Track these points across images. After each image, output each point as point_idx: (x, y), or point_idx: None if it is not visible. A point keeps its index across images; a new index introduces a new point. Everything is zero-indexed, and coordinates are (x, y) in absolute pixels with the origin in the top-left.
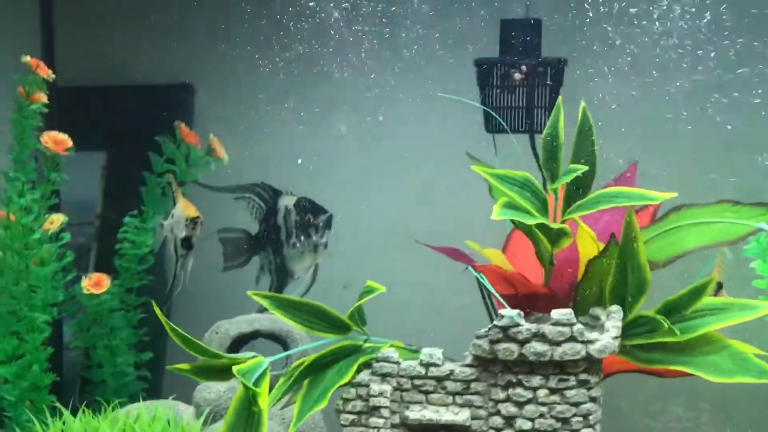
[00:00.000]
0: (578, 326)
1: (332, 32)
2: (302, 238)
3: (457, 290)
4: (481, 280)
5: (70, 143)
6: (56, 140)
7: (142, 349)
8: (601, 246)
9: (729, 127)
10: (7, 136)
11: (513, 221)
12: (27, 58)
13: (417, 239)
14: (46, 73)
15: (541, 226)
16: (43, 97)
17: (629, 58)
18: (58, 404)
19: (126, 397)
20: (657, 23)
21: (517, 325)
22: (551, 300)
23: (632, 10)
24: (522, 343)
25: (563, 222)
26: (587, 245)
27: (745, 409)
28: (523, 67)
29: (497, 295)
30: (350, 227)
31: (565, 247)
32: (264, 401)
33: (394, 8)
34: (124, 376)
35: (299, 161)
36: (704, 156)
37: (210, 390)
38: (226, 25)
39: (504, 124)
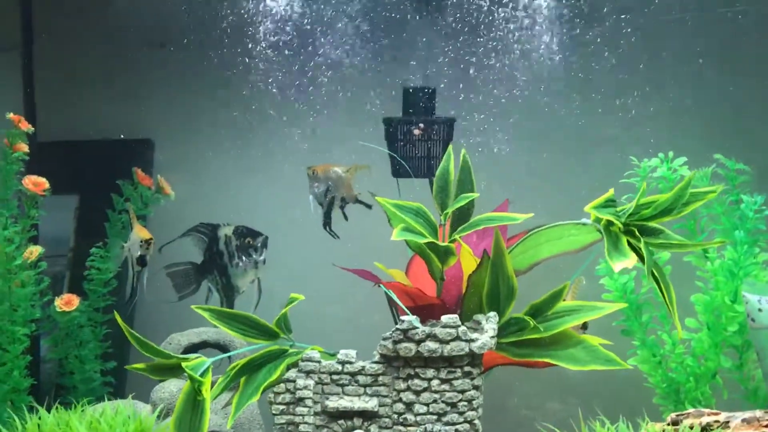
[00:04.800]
0: (462, 328)
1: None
2: (244, 258)
3: (371, 306)
4: (389, 293)
5: (47, 185)
6: (35, 182)
7: (107, 359)
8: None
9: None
10: None
11: (408, 243)
12: (10, 115)
13: (334, 263)
14: (26, 126)
15: (432, 246)
16: (25, 147)
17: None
18: (35, 404)
19: (93, 399)
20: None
21: (415, 327)
22: (443, 309)
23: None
24: (418, 342)
25: (450, 242)
26: (469, 262)
27: (605, 401)
28: (421, 125)
29: (401, 305)
30: (284, 255)
31: (453, 265)
32: (207, 391)
33: (320, 79)
34: (91, 382)
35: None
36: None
37: (164, 390)
38: (182, 91)
39: (408, 169)
